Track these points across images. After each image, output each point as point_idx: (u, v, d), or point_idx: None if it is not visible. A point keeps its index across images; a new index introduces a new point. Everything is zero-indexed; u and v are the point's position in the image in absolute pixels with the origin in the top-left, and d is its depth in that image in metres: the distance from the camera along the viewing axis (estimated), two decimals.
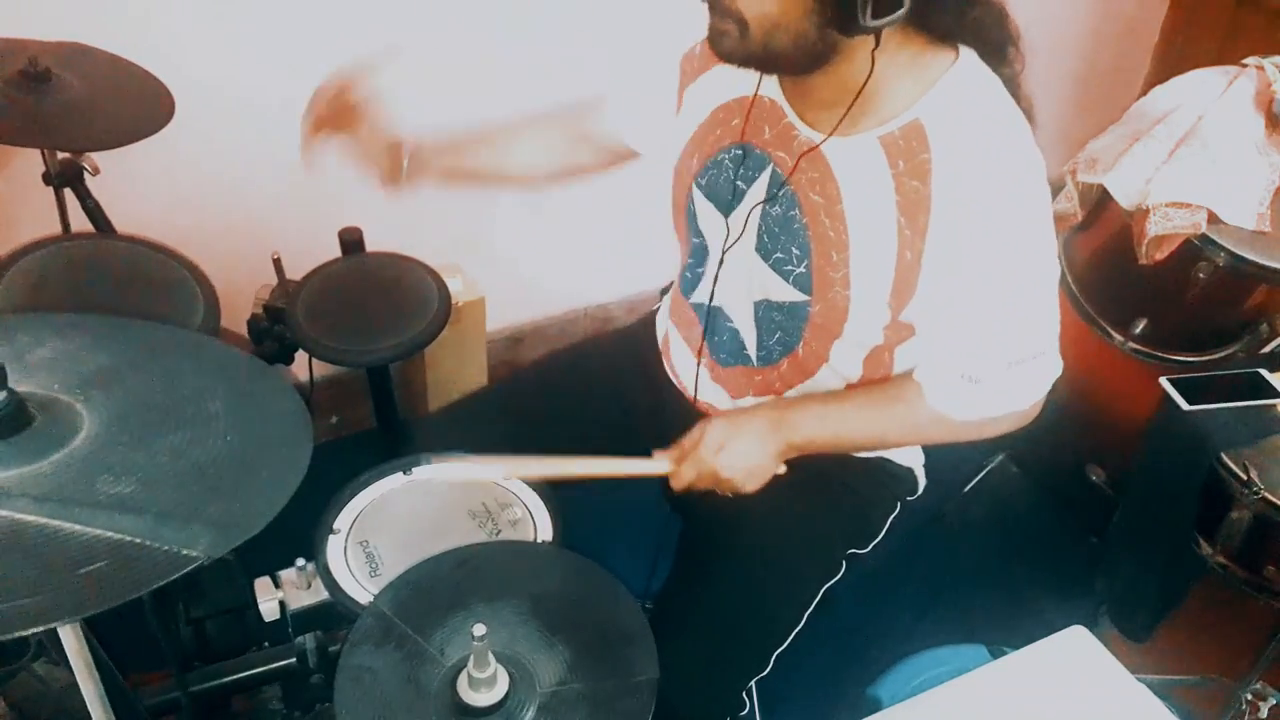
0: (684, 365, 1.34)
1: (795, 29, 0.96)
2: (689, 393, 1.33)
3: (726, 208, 1.17)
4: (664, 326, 1.40)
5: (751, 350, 1.23)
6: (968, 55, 1.05)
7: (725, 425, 1.14)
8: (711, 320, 1.25)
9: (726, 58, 1.03)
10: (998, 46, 1.07)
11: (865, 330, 1.14)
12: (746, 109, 1.14)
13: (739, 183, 1.15)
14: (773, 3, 0.95)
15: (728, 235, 1.18)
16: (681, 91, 1.21)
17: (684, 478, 1.15)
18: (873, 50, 0.99)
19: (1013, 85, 1.08)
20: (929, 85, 1.03)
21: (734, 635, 1.18)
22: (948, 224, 1.03)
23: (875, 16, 0.93)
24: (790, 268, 1.13)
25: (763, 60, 1.02)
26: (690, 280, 1.27)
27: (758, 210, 1.14)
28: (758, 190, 1.14)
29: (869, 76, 1.00)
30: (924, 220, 1.04)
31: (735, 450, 1.13)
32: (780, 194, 1.12)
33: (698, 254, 1.25)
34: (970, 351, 1.10)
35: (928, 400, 1.14)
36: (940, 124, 1.03)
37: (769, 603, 1.21)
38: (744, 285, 1.20)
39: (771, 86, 1.12)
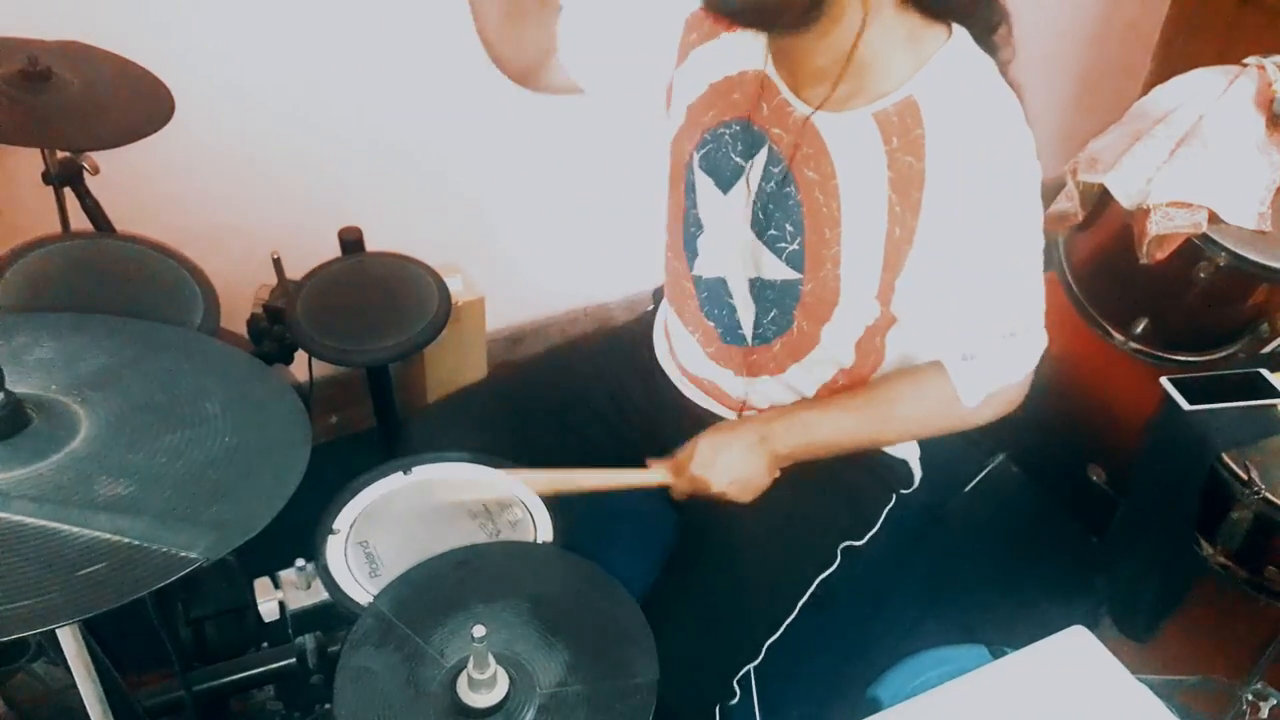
0: (683, 345, 1.34)
1: None
2: (689, 373, 1.33)
3: (726, 184, 1.18)
4: (662, 317, 1.39)
5: (747, 329, 1.24)
6: (960, 34, 1.06)
7: (714, 440, 1.18)
8: (713, 294, 1.26)
9: (717, 8, 1.03)
10: (989, 26, 1.07)
11: (855, 312, 1.15)
12: (745, 84, 1.15)
13: (737, 158, 1.16)
14: None
15: (726, 211, 1.19)
16: (685, 50, 1.19)
17: (680, 490, 1.20)
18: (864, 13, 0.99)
19: (1002, 72, 1.08)
20: (923, 62, 1.04)
21: (725, 622, 1.18)
22: (943, 200, 1.04)
23: None
24: (784, 245, 1.14)
25: (753, 13, 1.02)
26: (692, 253, 1.27)
27: (754, 187, 1.15)
28: (756, 166, 1.15)
29: (858, 35, 1.01)
30: (917, 196, 1.04)
31: (725, 464, 1.17)
32: (777, 170, 1.13)
33: (696, 225, 1.25)
34: (965, 328, 1.12)
35: (948, 383, 1.16)
36: (934, 101, 1.03)
37: (761, 591, 1.21)
38: (739, 262, 1.21)
39: (767, 63, 1.13)
